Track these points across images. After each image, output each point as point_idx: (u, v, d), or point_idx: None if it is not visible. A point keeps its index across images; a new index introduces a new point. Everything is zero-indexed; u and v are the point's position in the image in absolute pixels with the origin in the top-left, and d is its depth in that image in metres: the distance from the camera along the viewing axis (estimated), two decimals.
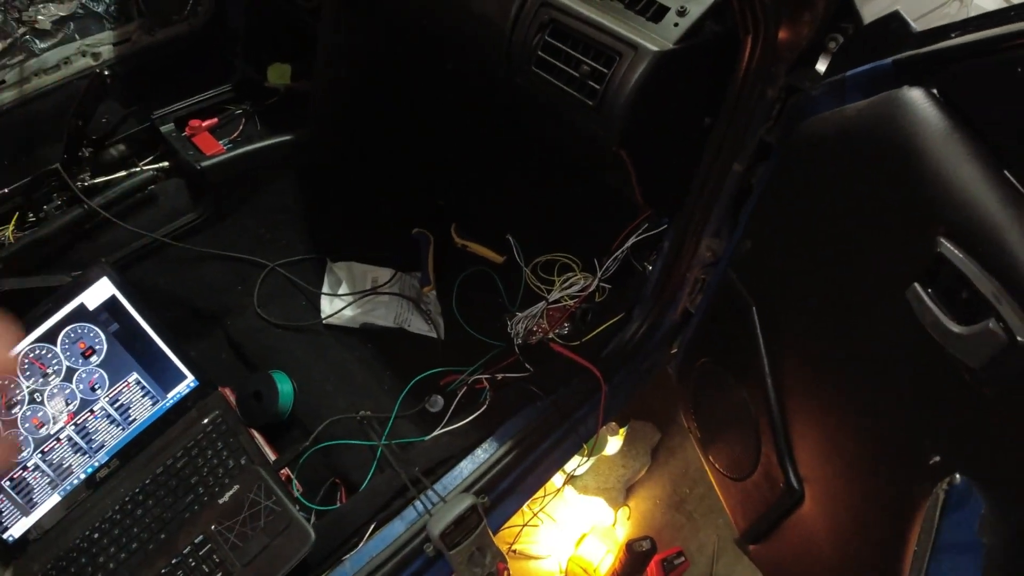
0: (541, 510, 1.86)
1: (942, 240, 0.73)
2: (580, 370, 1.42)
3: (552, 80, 1.01)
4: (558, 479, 1.96)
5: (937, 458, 0.79)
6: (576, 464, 1.81)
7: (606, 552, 1.88)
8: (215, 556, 1.26)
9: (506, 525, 1.82)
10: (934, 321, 0.74)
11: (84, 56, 1.68)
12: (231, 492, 1.32)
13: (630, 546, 1.81)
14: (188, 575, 1.26)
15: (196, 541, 1.28)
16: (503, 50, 1.06)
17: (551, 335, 1.59)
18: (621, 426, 1.99)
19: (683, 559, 1.88)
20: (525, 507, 1.84)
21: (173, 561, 1.28)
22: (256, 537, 1.26)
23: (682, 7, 0.94)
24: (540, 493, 1.88)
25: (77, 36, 1.65)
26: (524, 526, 1.82)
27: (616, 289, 1.63)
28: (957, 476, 0.76)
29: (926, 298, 0.75)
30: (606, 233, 1.64)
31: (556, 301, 1.66)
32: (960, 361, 0.72)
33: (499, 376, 1.46)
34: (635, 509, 2.05)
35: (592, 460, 1.97)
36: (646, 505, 2.05)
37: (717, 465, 1.26)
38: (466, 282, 1.76)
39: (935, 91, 0.76)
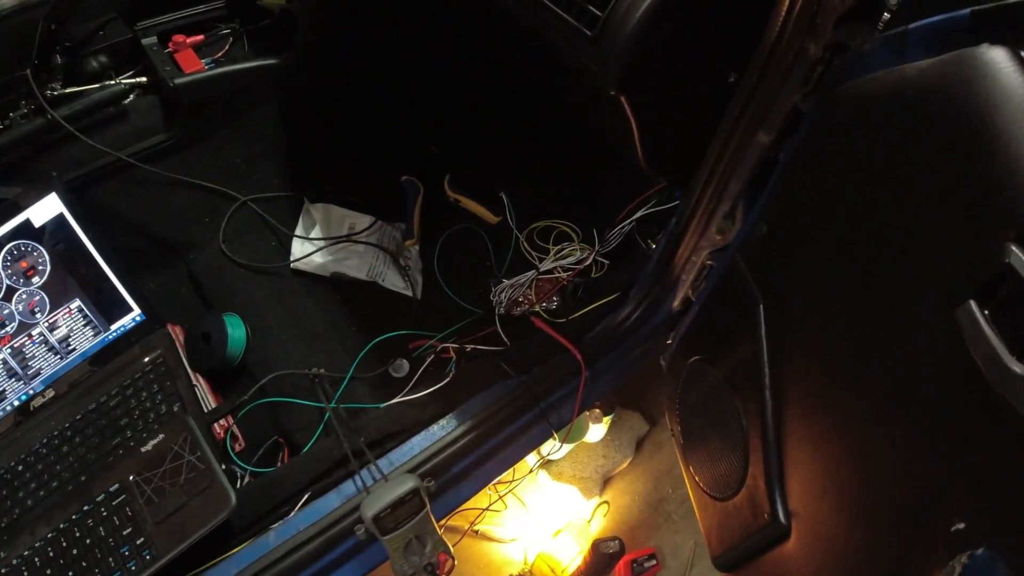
0: (509, 492, 1.74)
1: (1013, 248, 0.56)
2: (560, 350, 1.27)
3: (549, 4, 0.84)
4: (530, 460, 1.83)
5: (962, 525, 0.62)
6: (550, 450, 1.67)
7: (578, 552, 1.76)
8: (128, 508, 1.15)
9: (468, 506, 1.70)
10: (988, 353, 0.57)
11: None
12: (156, 441, 1.20)
13: (597, 546, 1.69)
14: (97, 524, 1.15)
15: (112, 489, 1.17)
16: None
17: (536, 308, 1.44)
18: (607, 414, 1.85)
19: (655, 562, 1.75)
20: (490, 489, 1.72)
21: (85, 508, 1.17)
22: (173, 494, 1.13)
23: None
24: (509, 475, 1.76)
25: None
26: (486, 509, 1.69)
27: (615, 266, 1.48)
28: (981, 549, 0.60)
29: (982, 321, 0.58)
30: (612, 203, 1.49)
31: (548, 271, 1.51)
32: (1013, 408, 0.55)
33: (468, 347, 1.32)
34: (612, 503, 1.92)
35: (571, 446, 1.84)
36: (623, 500, 1.92)
37: (697, 478, 1.11)
38: (452, 240, 1.62)
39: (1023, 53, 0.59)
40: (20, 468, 1.24)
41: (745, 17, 0.85)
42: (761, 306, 0.90)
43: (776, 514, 0.90)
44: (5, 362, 1.30)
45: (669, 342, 1.36)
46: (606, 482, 1.96)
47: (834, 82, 0.80)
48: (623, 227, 1.47)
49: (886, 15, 0.80)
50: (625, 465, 1.95)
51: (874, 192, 0.71)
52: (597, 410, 1.84)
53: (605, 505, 1.91)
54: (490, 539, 1.84)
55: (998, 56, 0.60)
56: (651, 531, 1.87)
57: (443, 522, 1.43)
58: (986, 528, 0.61)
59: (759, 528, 0.94)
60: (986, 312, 0.58)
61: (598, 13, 0.80)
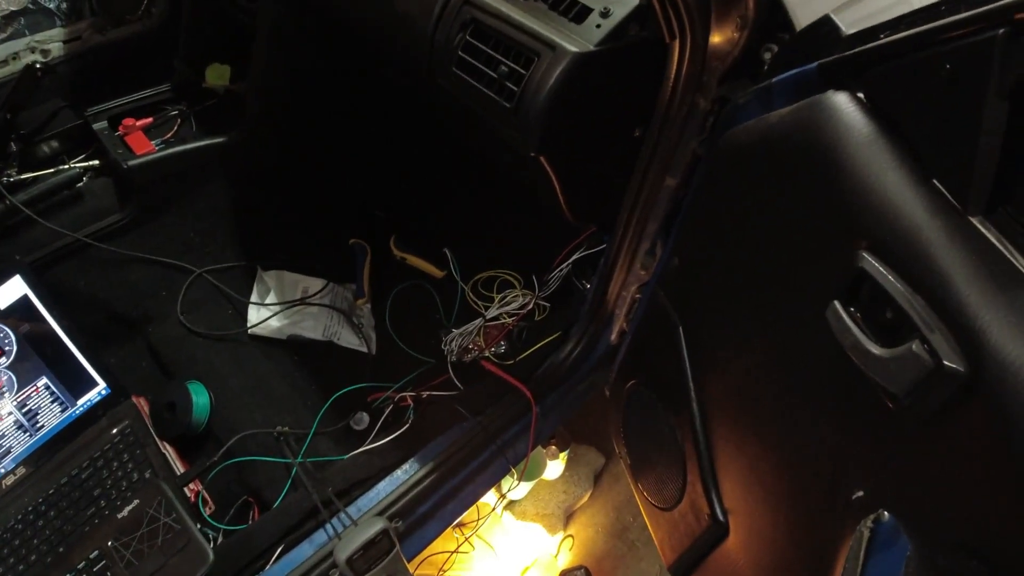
0: (474, 535, 1.79)
1: (864, 254, 0.68)
2: (511, 390, 1.36)
3: (471, 81, 0.96)
4: (492, 500, 1.89)
5: (860, 493, 0.73)
6: (510, 487, 1.74)
7: None
8: (108, 573, 1.19)
9: (437, 550, 1.75)
10: (854, 343, 0.69)
11: (33, 52, 1.65)
12: (131, 507, 1.25)
13: None
14: None
15: (91, 556, 1.21)
16: (426, 50, 1.01)
17: (486, 353, 1.53)
18: (562, 450, 1.93)
19: None
20: (456, 532, 1.77)
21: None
22: (152, 555, 1.18)
23: (605, 8, 0.89)
24: (472, 517, 1.81)
25: (27, 32, 1.62)
26: (454, 552, 1.74)
27: (556, 308, 1.57)
28: (885, 513, 0.70)
29: (846, 317, 0.70)
30: (549, 249, 1.59)
31: (494, 318, 1.60)
32: (882, 387, 0.67)
33: (424, 394, 1.39)
34: (576, 536, 1.98)
35: (531, 484, 1.90)
36: (587, 532, 1.98)
37: (645, 493, 1.20)
38: (402, 296, 1.70)
39: (861, 95, 0.72)
40: None
41: (641, 81, 0.97)
42: (680, 329, 1.01)
43: (715, 514, 1.00)
44: None
45: (612, 374, 1.45)
46: (569, 517, 2.02)
47: (719, 130, 0.93)
48: (560, 271, 1.57)
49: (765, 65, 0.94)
50: (586, 499, 2.02)
51: (755, 221, 0.84)
52: (553, 447, 1.91)
53: (570, 539, 1.96)
54: None
55: (840, 100, 0.73)
56: (617, 561, 1.93)
57: (413, 569, 1.48)
58: (881, 493, 0.72)
59: (703, 530, 1.03)
60: (850, 309, 0.70)
61: (514, 88, 0.92)
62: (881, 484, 0.72)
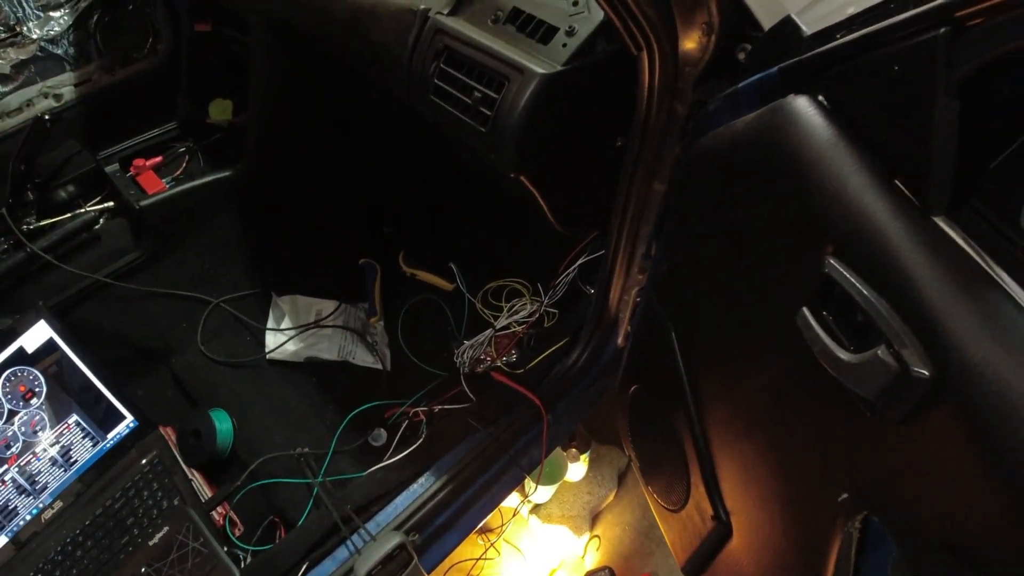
0: (499, 540, 1.81)
1: (830, 260, 0.68)
2: (522, 399, 1.38)
3: (448, 107, 0.98)
4: (516, 504, 1.90)
5: (845, 495, 0.74)
6: (531, 491, 1.76)
7: None
8: None
9: (464, 557, 1.77)
10: (823, 349, 0.69)
11: (46, 98, 1.70)
12: (161, 534, 1.30)
13: None
14: None
15: None
16: (403, 78, 1.04)
17: (498, 363, 1.55)
18: (583, 451, 1.94)
19: None
20: (481, 539, 1.80)
21: None
22: None
23: (570, 27, 0.91)
24: (497, 522, 1.84)
25: (38, 78, 1.67)
26: (480, 559, 1.76)
27: (564, 313, 1.59)
28: (875, 518, 0.71)
29: (814, 324, 0.70)
30: (554, 256, 1.60)
31: (504, 328, 1.62)
32: (855, 392, 0.67)
33: (436, 408, 1.42)
34: (603, 536, 1.99)
35: (554, 488, 1.92)
36: (614, 532, 1.99)
37: (655, 495, 1.22)
38: (413, 311, 1.73)
39: (821, 98, 0.72)
40: None
41: (616, 91, 0.98)
42: (673, 333, 1.02)
43: (718, 515, 1.01)
44: (14, 480, 1.38)
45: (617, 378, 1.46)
46: (595, 517, 2.03)
47: (693, 138, 0.94)
48: (567, 276, 1.58)
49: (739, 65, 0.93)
50: (611, 498, 2.03)
51: (729, 227, 0.85)
52: (573, 449, 1.92)
53: (596, 539, 1.98)
54: None
55: (800, 104, 0.73)
56: (645, 558, 1.93)
57: None
58: (865, 496, 0.72)
59: (709, 530, 1.04)
60: (823, 314, 0.71)
61: (488, 113, 0.94)
62: (864, 487, 0.73)
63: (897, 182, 0.66)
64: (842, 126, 0.70)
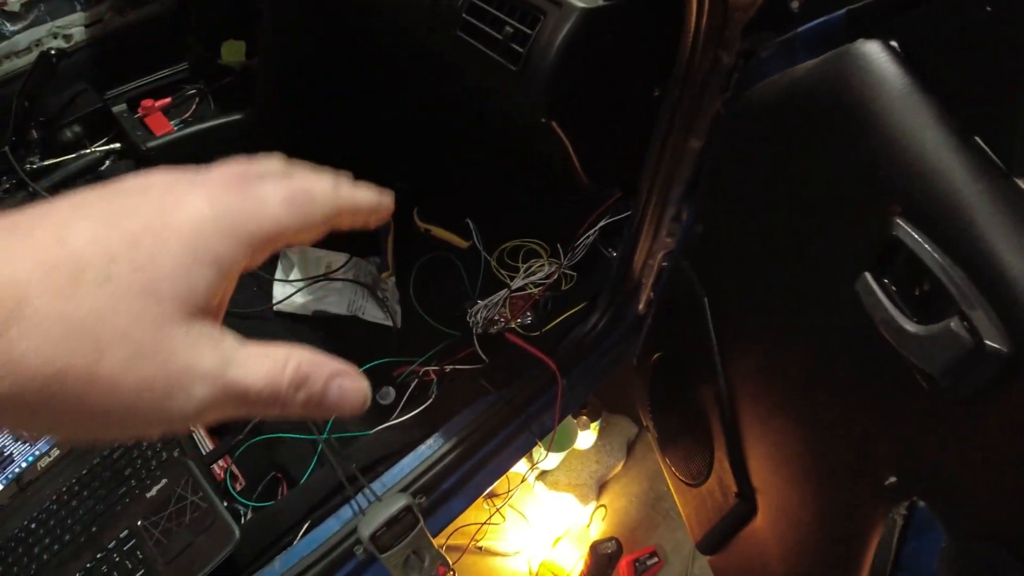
0: (505, 505, 1.78)
1: (898, 221, 0.62)
2: (537, 362, 1.33)
3: (477, 45, 0.91)
4: (523, 471, 1.88)
5: (893, 479, 0.68)
6: (540, 458, 1.72)
7: (579, 557, 1.80)
8: (138, 552, 1.20)
9: (468, 520, 1.75)
10: (886, 318, 0.63)
11: (55, 38, 1.65)
12: (159, 486, 1.26)
13: (595, 548, 1.73)
14: (111, 570, 1.20)
15: (121, 536, 1.22)
16: (428, 13, 0.96)
17: (512, 324, 1.50)
18: (593, 420, 1.90)
19: (656, 560, 1.79)
20: (487, 503, 1.77)
21: (98, 556, 1.22)
22: (180, 534, 1.19)
23: None
24: (504, 487, 1.80)
25: (48, 18, 1.62)
26: (484, 523, 1.73)
27: (583, 276, 1.54)
28: (919, 501, 0.65)
29: (877, 290, 0.64)
30: (574, 216, 1.55)
31: (520, 288, 1.57)
32: (916, 366, 0.62)
33: (447, 368, 1.37)
34: (609, 506, 1.97)
35: (562, 455, 1.88)
36: (621, 502, 1.96)
37: (673, 468, 1.17)
38: (426, 268, 1.68)
39: (894, 44, 0.65)
40: (34, 526, 1.28)
41: (659, 36, 0.91)
42: (706, 300, 0.96)
43: (743, 492, 0.96)
44: None
45: (638, 345, 1.41)
46: (601, 487, 2.00)
47: (741, 89, 0.87)
48: (586, 239, 1.53)
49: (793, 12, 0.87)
50: (619, 468, 2.00)
51: (780, 185, 0.78)
52: (584, 417, 1.89)
53: (603, 509, 1.95)
54: (493, 553, 1.88)
55: (871, 49, 0.66)
56: (651, 530, 1.91)
57: (445, 540, 1.48)
58: (914, 480, 0.67)
59: (730, 507, 1.00)
60: (883, 281, 0.65)
61: (520, 50, 0.87)
62: (915, 470, 0.67)
63: (978, 139, 0.60)
64: (917, 75, 0.63)
